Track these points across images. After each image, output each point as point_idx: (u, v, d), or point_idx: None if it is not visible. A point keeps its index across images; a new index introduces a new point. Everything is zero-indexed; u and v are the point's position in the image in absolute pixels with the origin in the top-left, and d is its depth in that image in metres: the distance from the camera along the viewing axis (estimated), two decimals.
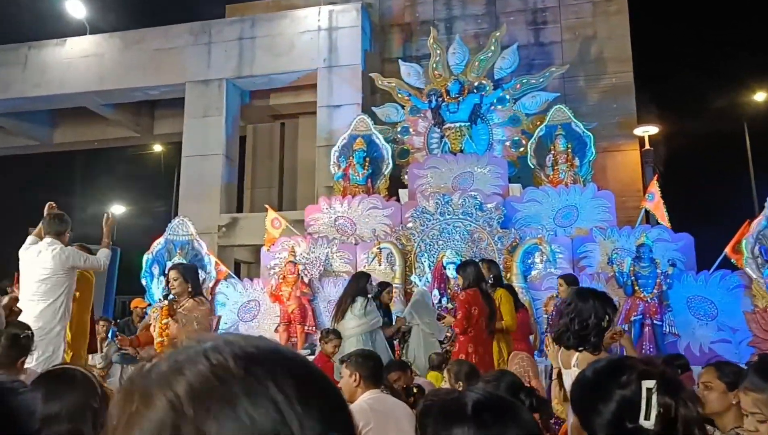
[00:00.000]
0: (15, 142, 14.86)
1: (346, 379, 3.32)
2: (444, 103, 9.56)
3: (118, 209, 19.11)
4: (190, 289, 4.65)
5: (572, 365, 2.86)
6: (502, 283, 6.22)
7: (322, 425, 0.55)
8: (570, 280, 6.24)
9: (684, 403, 1.32)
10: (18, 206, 14.64)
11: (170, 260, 8.45)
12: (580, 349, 2.83)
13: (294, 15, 11.62)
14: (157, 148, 16.49)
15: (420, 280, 8.14)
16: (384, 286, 6.86)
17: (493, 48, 9.78)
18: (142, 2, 16.31)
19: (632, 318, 7.33)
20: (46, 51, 12.78)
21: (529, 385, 2.87)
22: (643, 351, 7.04)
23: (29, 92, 12.64)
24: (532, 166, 9.23)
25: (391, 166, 9.57)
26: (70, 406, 1.69)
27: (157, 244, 8.61)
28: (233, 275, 9.24)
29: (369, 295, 6.23)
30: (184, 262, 8.75)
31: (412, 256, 8.48)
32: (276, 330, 8.14)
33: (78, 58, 12.52)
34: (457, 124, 9.46)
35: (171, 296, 4.77)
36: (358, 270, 8.28)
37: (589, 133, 9.08)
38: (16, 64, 12.78)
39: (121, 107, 13.44)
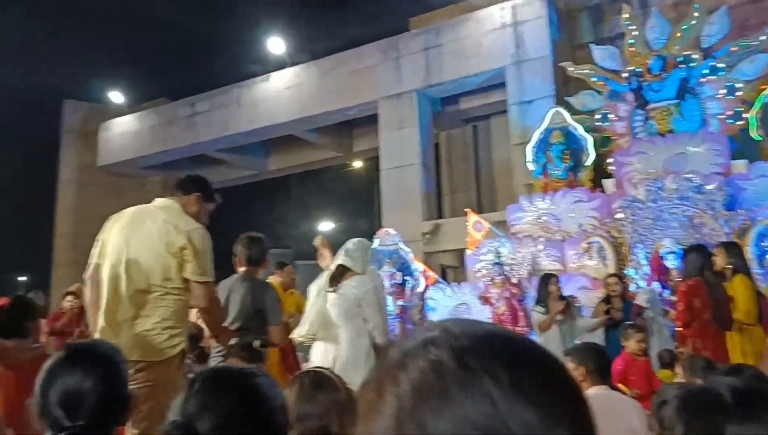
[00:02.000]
0: (236, 173, 16.55)
1: (571, 372, 3.19)
2: (646, 83, 8.90)
3: (326, 226, 20.42)
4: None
5: None
6: (744, 268, 5.36)
7: (544, 419, 0.52)
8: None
9: None
10: (244, 230, 16.22)
11: (380, 270, 8.81)
12: None
13: (477, 16, 11.59)
14: (358, 164, 17.35)
15: (636, 273, 7.63)
16: (547, 278, 6.54)
17: (696, 15, 8.90)
18: (332, 29, 17.36)
19: None
20: (254, 88, 14.10)
21: None
22: None
23: (244, 127, 14.02)
24: (759, 138, 8.23)
25: (592, 156, 9.11)
26: (320, 405, 1.86)
27: None
28: (441, 280, 9.39)
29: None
30: (394, 270, 9.08)
31: (625, 248, 7.97)
32: None
33: (282, 90, 13.62)
34: (663, 103, 8.75)
35: None
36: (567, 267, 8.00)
37: None
38: (230, 104, 14.27)
39: (323, 130, 14.36)
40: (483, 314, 8.35)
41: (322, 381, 1.95)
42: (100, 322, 3.14)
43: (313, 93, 13.17)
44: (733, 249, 5.39)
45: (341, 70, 12.91)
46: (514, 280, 8.24)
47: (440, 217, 12.36)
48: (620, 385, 4.38)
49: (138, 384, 2.75)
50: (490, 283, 8.27)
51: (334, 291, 4.28)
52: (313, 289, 4.59)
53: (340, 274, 4.29)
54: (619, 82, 9.31)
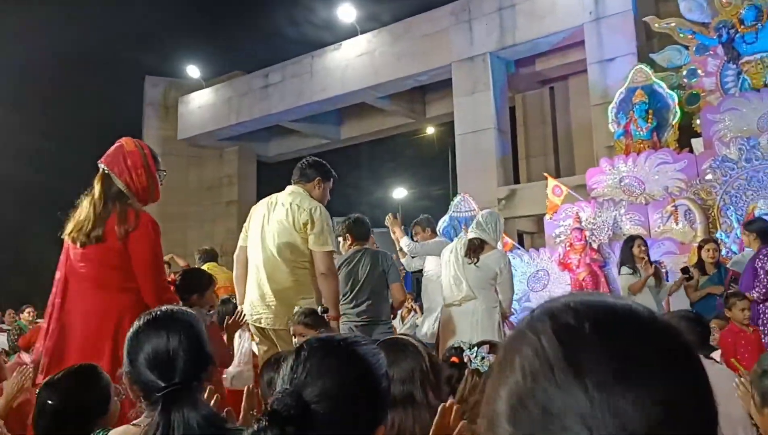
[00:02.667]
0: (310, 143, 16.75)
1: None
2: (738, 35, 8.36)
3: (400, 193, 20.45)
4: None
5: None
6: None
7: (640, 417, 0.50)
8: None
9: None
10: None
11: (456, 237, 8.75)
12: None
13: None
14: (430, 130, 17.21)
15: (728, 237, 7.28)
16: (631, 240, 6.27)
17: None
18: None
19: None
20: (326, 57, 14.13)
21: None
22: None
23: (317, 96, 14.11)
24: None
25: (678, 114, 8.68)
26: (403, 371, 1.88)
27: (443, 222, 8.95)
28: (518, 246, 9.25)
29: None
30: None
31: (715, 210, 7.61)
32: None
33: (353, 58, 13.60)
34: (758, 56, 8.20)
35: None
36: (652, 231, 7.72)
37: None
38: (303, 73, 14.36)
39: (395, 97, 14.28)
40: (563, 280, 8.20)
41: (406, 347, 1.97)
42: (249, 296, 3.76)
43: (385, 59, 13.08)
44: None
45: (412, 35, 12.74)
46: (595, 246, 8.03)
47: (516, 182, 12.14)
48: (733, 361, 4.15)
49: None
50: (569, 248, 8.09)
51: (473, 263, 4.57)
52: (446, 254, 4.84)
53: (478, 247, 4.62)
54: (707, 36, 8.79)
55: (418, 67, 12.61)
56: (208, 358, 1.66)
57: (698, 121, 8.61)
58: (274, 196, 3.90)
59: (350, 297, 4.54)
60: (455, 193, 10.15)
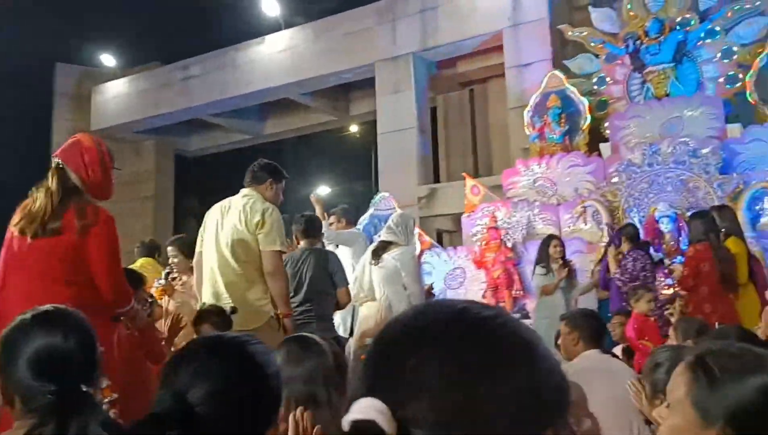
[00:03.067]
0: (232, 138, 16.48)
1: (565, 336, 3.31)
2: (643, 46, 8.86)
3: (323, 190, 20.42)
4: (192, 265, 4.34)
5: None
6: (736, 231, 5.54)
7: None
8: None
9: None
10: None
11: (377, 234, 8.86)
12: None
13: None
14: (354, 128, 17.27)
15: None
16: (548, 240, 6.64)
17: None
18: None
19: None
20: (250, 51, 13.94)
21: None
22: None
23: (239, 90, 13.89)
24: (754, 102, 8.24)
25: (589, 119, 9.10)
26: (306, 370, 1.86)
27: (363, 220, 9.05)
28: (437, 244, 9.46)
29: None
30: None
31: (619, 212, 8.04)
32: (483, 296, 8.21)
33: (276, 53, 13.48)
34: (660, 67, 8.72)
35: (170, 274, 4.75)
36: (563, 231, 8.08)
37: None
38: (225, 67, 14.12)
39: (318, 94, 14.26)
40: (479, 278, 8.45)
41: (309, 346, 1.95)
42: (206, 297, 3.82)
43: (308, 56, 13.04)
44: (725, 212, 5.51)
45: (336, 32, 12.76)
46: (509, 245, 8.32)
47: (437, 181, 12.38)
48: (643, 342, 4.48)
49: None
50: (485, 247, 8.35)
51: (376, 264, 4.79)
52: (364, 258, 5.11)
53: (382, 249, 4.85)
54: (616, 46, 9.27)
55: (341, 64, 12.64)
56: (100, 361, 1.58)
57: (607, 127, 9.06)
58: (227, 200, 3.98)
59: (293, 295, 4.57)
60: (377, 191, 10.27)
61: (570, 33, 9.77)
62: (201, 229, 4.03)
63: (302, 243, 4.99)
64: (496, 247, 8.25)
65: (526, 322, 7.57)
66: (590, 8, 9.84)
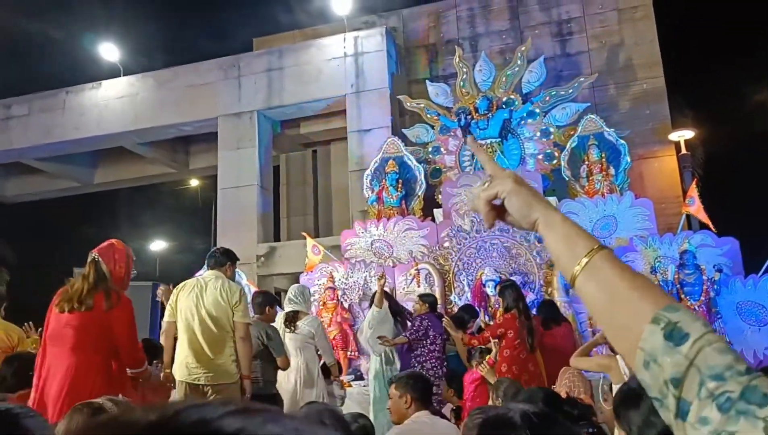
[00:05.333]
0: (58, 184, 15.31)
1: (396, 400, 3.36)
2: (473, 121, 9.57)
3: (159, 245, 19.48)
4: None
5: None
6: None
7: None
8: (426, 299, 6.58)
9: None
10: (63, 246, 15.07)
11: None
12: None
13: (320, 43, 11.79)
14: (194, 182, 16.79)
15: (459, 300, 8.09)
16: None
17: (519, 62, 9.77)
18: (172, 42, 16.76)
19: None
20: (83, 94, 13.19)
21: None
22: None
23: (69, 135, 13.04)
24: (567, 178, 9.13)
25: (424, 186, 9.57)
26: None
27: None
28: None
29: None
30: None
31: (450, 275, 8.44)
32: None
33: (113, 100, 12.88)
34: (488, 141, 9.44)
35: None
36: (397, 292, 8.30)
37: (623, 142, 8.96)
38: (55, 109, 13.22)
39: (157, 145, 13.75)
40: None
41: (99, 414, 1.88)
42: (184, 360, 4.46)
43: (148, 105, 12.59)
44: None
45: (179, 84, 12.49)
46: (346, 305, 8.39)
47: (277, 239, 12.29)
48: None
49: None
50: (322, 307, 8.35)
51: (292, 331, 5.63)
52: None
53: (293, 317, 5.70)
54: (449, 118, 9.92)
55: (182, 116, 12.34)
56: None
57: (440, 194, 9.57)
58: (198, 279, 4.72)
59: None
60: (216, 246, 9.96)
61: (408, 103, 10.34)
62: (172, 300, 4.64)
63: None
64: (333, 307, 8.29)
65: (361, 383, 7.63)
66: (427, 82, 10.52)
